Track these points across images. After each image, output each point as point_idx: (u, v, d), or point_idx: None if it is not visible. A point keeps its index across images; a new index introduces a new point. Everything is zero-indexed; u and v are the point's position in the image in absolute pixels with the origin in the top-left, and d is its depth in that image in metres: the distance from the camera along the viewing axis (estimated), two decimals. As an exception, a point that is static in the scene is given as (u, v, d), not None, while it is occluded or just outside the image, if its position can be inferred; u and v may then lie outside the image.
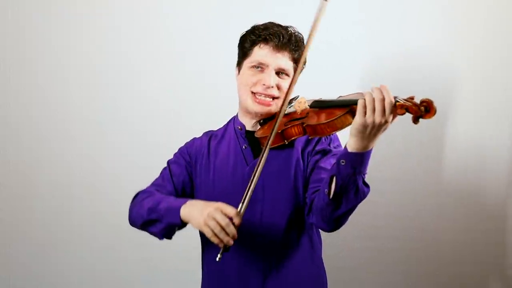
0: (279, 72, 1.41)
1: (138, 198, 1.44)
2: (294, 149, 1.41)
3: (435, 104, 1.07)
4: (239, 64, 1.48)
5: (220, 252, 1.19)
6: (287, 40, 1.40)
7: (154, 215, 1.34)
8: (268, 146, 1.24)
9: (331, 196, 1.20)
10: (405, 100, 1.11)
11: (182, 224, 1.30)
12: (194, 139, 1.56)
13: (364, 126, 1.12)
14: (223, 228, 1.17)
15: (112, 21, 2.24)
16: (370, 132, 1.13)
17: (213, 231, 1.17)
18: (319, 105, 1.31)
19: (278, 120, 1.26)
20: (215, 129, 1.58)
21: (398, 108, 1.11)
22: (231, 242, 1.18)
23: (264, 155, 1.23)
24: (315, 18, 1.24)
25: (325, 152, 1.38)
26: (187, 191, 1.48)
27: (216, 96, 2.15)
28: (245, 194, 1.21)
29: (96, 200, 2.25)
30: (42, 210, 2.27)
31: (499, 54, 2.09)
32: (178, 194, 1.46)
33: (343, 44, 2.09)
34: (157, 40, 2.23)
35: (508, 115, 2.09)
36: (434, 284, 2.13)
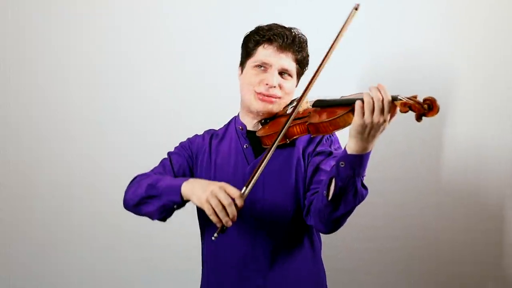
0: (282, 73, 1.42)
1: (137, 178, 1.43)
2: (296, 149, 1.42)
3: (438, 102, 1.07)
4: (242, 64, 1.48)
5: (217, 231, 1.18)
6: (291, 41, 1.40)
7: (153, 191, 1.31)
8: (283, 132, 1.24)
9: (329, 197, 1.20)
10: (408, 98, 1.12)
11: (181, 203, 1.27)
12: (196, 135, 1.56)
13: (363, 127, 1.13)
14: (224, 208, 1.16)
15: (112, 21, 2.24)
16: (369, 132, 1.13)
17: (214, 209, 1.16)
18: (321, 104, 1.32)
19: (292, 117, 1.26)
20: (216, 129, 1.58)
21: (401, 106, 1.11)
22: (230, 223, 1.17)
23: (276, 142, 1.23)
24: (343, 24, 1.26)
25: (325, 154, 1.39)
26: None
27: (216, 96, 2.15)
28: (250, 178, 1.20)
29: (96, 200, 2.25)
30: (42, 210, 2.27)
31: (499, 53, 2.09)
32: None
33: (342, 44, 2.08)
34: (157, 40, 2.23)
35: (509, 114, 2.09)
36: (433, 284, 2.13)
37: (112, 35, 2.24)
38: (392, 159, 2.12)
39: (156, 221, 2.18)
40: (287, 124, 1.26)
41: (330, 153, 1.38)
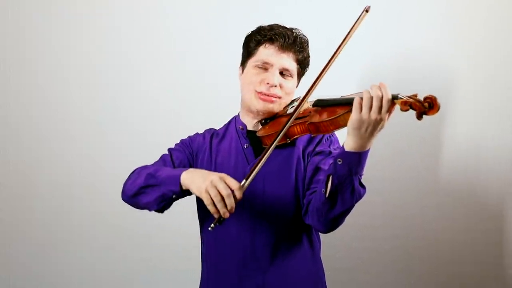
0: (283, 73, 1.42)
1: (136, 170, 1.43)
2: (296, 148, 1.42)
3: (439, 100, 1.07)
4: (243, 63, 1.48)
5: (214, 222, 1.18)
6: (292, 41, 1.41)
7: (152, 180, 1.31)
8: (284, 130, 1.24)
9: (327, 194, 1.21)
10: (408, 97, 1.12)
11: (180, 193, 1.27)
12: (197, 134, 1.56)
13: (360, 122, 1.13)
14: (223, 198, 1.16)
15: (112, 21, 2.24)
16: (366, 129, 1.13)
17: (212, 199, 1.16)
18: (321, 104, 1.32)
19: (294, 116, 1.26)
20: (216, 128, 1.58)
21: (401, 105, 1.11)
22: (227, 214, 1.17)
23: (278, 138, 1.24)
24: (353, 25, 1.25)
25: (325, 154, 1.39)
26: None
27: (216, 96, 2.15)
28: (250, 171, 1.20)
29: (96, 200, 2.25)
30: (42, 210, 2.27)
31: (500, 53, 2.09)
32: None
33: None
34: (157, 40, 2.23)
35: (509, 114, 2.09)
36: (433, 284, 2.13)
37: (112, 35, 2.24)
38: (392, 159, 2.12)
39: (156, 221, 2.20)
40: (288, 123, 1.26)
41: (330, 153, 1.39)
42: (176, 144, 1.54)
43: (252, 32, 1.47)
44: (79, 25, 2.25)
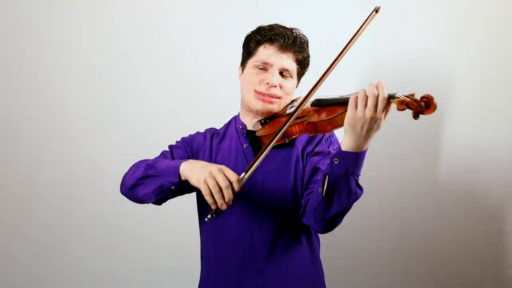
0: (283, 73, 1.42)
1: (136, 163, 1.43)
2: (295, 148, 1.42)
3: (436, 100, 1.07)
4: (243, 63, 1.49)
5: (211, 213, 1.18)
6: (292, 41, 1.41)
7: (151, 171, 1.32)
8: (284, 129, 1.25)
9: (323, 193, 1.21)
10: (405, 96, 1.12)
11: (179, 184, 1.27)
12: (198, 132, 1.57)
13: (355, 120, 1.13)
14: (221, 190, 1.16)
15: (112, 21, 2.24)
16: (362, 128, 1.13)
17: (210, 190, 1.17)
18: (320, 104, 1.32)
19: (294, 116, 1.26)
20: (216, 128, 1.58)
21: (398, 104, 1.11)
22: (225, 206, 1.17)
23: (278, 134, 1.24)
24: (362, 26, 1.25)
25: (324, 154, 1.39)
26: None
27: (216, 96, 2.15)
28: (250, 164, 1.21)
29: (96, 200, 2.25)
30: (42, 210, 2.27)
31: (500, 54, 2.09)
32: None
33: (343, 44, 2.09)
34: (157, 40, 2.23)
35: (508, 115, 2.09)
36: (432, 284, 2.13)
37: (112, 35, 2.24)
38: (391, 159, 2.12)
39: (156, 221, 2.20)
40: (288, 123, 1.26)
41: (329, 153, 1.38)
42: (177, 141, 1.54)
43: (252, 32, 1.47)
44: (79, 25, 2.25)
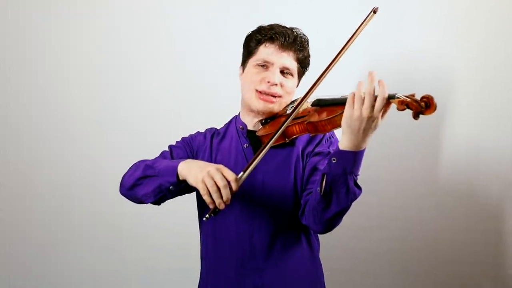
0: (283, 72, 1.42)
1: (135, 163, 1.44)
2: (295, 148, 1.42)
3: (436, 100, 1.07)
4: (244, 63, 1.49)
5: (209, 213, 1.19)
6: (292, 40, 1.41)
7: (150, 171, 1.32)
8: (283, 128, 1.25)
9: (321, 192, 1.21)
10: (405, 96, 1.11)
11: (177, 184, 1.27)
12: (198, 132, 1.57)
13: (352, 119, 1.13)
14: (219, 189, 1.16)
15: (112, 21, 2.24)
16: (359, 127, 1.13)
17: (208, 189, 1.17)
18: (320, 104, 1.32)
19: (293, 115, 1.26)
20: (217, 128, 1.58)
21: (398, 104, 1.11)
22: (223, 205, 1.17)
23: (276, 136, 1.24)
24: (359, 26, 1.25)
25: (324, 154, 1.39)
26: None
27: (216, 96, 2.15)
28: (248, 164, 1.21)
29: (96, 200, 2.25)
30: (42, 210, 2.27)
31: (500, 55, 2.09)
32: None
33: (343, 44, 2.09)
34: (157, 40, 2.23)
35: (509, 116, 2.09)
36: (432, 284, 2.13)
37: (112, 35, 2.24)
38: (392, 159, 2.12)
39: (155, 221, 2.20)
40: (287, 121, 1.26)
41: (329, 154, 1.38)
42: (177, 141, 1.55)
43: (252, 31, 1.47)
44: (79, 25, 2.25)
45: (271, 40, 1.41)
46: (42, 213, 2.27)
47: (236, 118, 1.54)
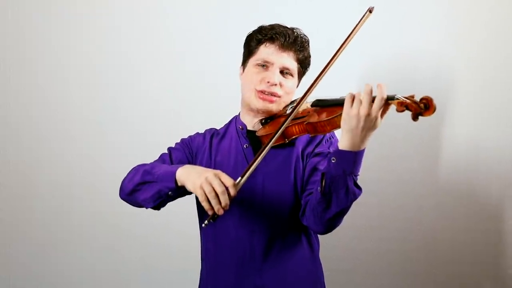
0: (283, 72, 1.42)
1: (134, 168, 1.43)
2: (295, 149, 1.42)
3: (435, 102, 1.07)
4: (244, 63, 1.49)
5: (208, 219, 1.18)
6: (292, 40, 1.41)
7: (149, 176, 1.32)
8: (281, 129, 1.24)
9: (321, 193, 1.21)
10: (405, 97, 1.12)
11: (176, 189, 1.27)
12: (197, 133, 1.57)
13: (349, 117, 1.13)
14: (217, 195, 1.16)
15: (112, 21, 2.24)
16: (357, 125, 1.13)
17: (207, 195, 1.16)
18: (320, 104, 1.32)
19: (292, 116, 1.27)
20: (217, 128, 1.58)
21: (398, 106, 1.11)
22: (221, 211, 1.17)
23: (275, 138, 1.24)
24: (356, 26, 1.26)
25: (324, 155, 1.39)
26: None
27: (216, 96, 2.15)
28: (246, 169, 1.21)
29: (96, 200, 2.25)
30: (42, 210, 2.27)
31: (500, 54, 2.08)
32: None
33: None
34: (157, 40, 2.23)
35: (509, 116, 2.08)
36: (432, 284, 2.13)
37: (112, 35, 2.24)
38: (392, 160, 2.11)
39: (156, 221, 2.20)
40: (286, 122, 1.27)
41: (329, 154, 1.38)
42: (176, 143, 1.54)
43: (253, 31, 1.47)
44: (79, 25, 2.25)
45: (272, 40, 1.41)
46: (42, 213, 2.27)
47: (236, 119, 1.54)
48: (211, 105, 2.15)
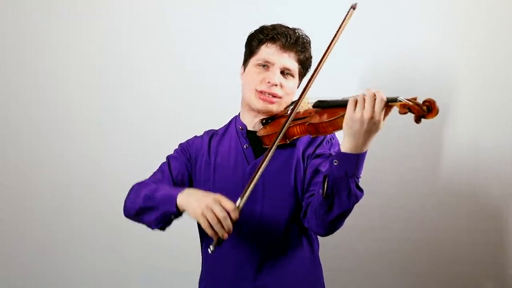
0: (284, 72, 1.42)
1: (134, 187, 1.43)
2: (296, 149, 1.42)
3: (438, 104, 1.07)
4: (245, 62, 1.49)
5: (213, 244, 1.18)
6: (294, 41, 1.41)
7: (150, 202, 1.32)
8: (275, 145, 1.24)
9: (324, 195, 1.21)
10: (407, 100, 1.12)
11: (178, 213, 1.27)
12: (195, 137, 1.56)
13: (353, 121, 1.14)
14: (219, 221, 1.16)
15: (112, 21, 2.24)
16: (360, 129, 1.14)
17: (209, 222, 1.16)
18: (322, 105, 1.33)
19: (291, 118, 1.27)
20: (216, 129, 1.58)
21: (400, 108, 1.12)
22: (226, 235, 1.17)
23: (270, 153, 1.23)
24: (341, 23, 1.28)
25: (325, 156, 1.39)
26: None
27: (216, 96, 2.15)
28: (245, 190, 1.20)
29: (96, 200, 2.25)
30: (42, 210, 2.27)
31: (500, 54, 2.08)
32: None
33: (344, 45, 2.08)
34: (157, 40, 2.23)
35: (509, 116, 2.08)
36: (434, 284, 2.13)
37: (112, 35, 2.24)
38: (393, 159, 2.11)
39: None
40: (286, 125, 1.27)
41: (330, 156, 1.38)
42: (175, 150, 1.54)
43: (255, 31, 1.47)
44: (79, 25, 2.25)
45: (273, 40, 1.41)
46: (42, 213, 2.27)
47: (236, 119, 1.53)
48: (211, 105, 2.15)
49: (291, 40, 1.41)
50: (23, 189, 2.28)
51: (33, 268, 2.28)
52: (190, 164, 1.49)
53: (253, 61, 1.44)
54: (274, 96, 1.41)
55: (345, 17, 1.27)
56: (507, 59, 2.08)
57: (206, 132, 1.57)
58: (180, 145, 1.55)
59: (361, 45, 2.10)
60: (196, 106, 2.19)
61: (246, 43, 1.49)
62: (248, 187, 1.20)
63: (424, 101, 1.10)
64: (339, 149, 1.20)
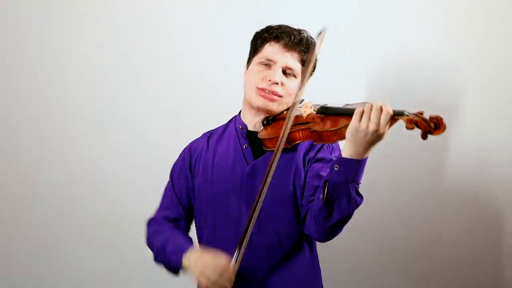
0: (286, 72, 1.42)
1: (150, 230, 1.52)
2: (296, 153, 1.41)
3: (445, 121, 1.09)
4: (249, 61, 1.49)
5: None
6: (297, 41, 1.41)
7: (161, 258, 1.43)
8: (276, 158, 1.26)
9: (324, 200, 1.21)
10: (414, 114, 1.12)
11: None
12: (192, 143, 1.56)
13: (358, 132, 1.15)
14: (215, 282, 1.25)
15: (112, 21, 2.24)
16: (363, 139, 1.15)
17: (207, 286, 1.26)
18: (325, 112, 1.31)
19: (288, 126, 1.27)
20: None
21: (407, 123, 1.13)
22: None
23: (271, 171, 1.26)
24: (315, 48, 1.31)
25: (326, 161, 1.38)
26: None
27: (216, 96, 2.15)
28: (241, 237, 1.26)
29: (96, 200, 2.25)
30: (42, 210, 2.27)
31: (500, 54, 2.08)
32: (188, 210, 1.52)
33: (344, 46, 2.09)
34: (157, 40, 2.23)
35: (510, 116, 2.08)
36: (434, 284, 2.13)
37: (112, 35, 2.24)
38: (395, 159, 2.11)
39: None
40: (286, 131, 1.26)
41: (331, 160, 1.37)
42: (176, 164, 1.55)
43: (260, 30, 1.48)
44: (79, 25, 2.25)
45: (276, 39, 1.42)
46: (42, 213, 2.27)
47: (236, 118, 1.53)
48: (211, 105, 2.15)
49: (295, 39, 1.41)
50: (23, 189, 2.27)
51: (33, 268, 2.28)
52: (191, 173, 1.50)
53: (256, 59, 1.44)
54: (274, 94, 1.41)
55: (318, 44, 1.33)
56: (507, 59, 2.08)
57: (204, 134, 1.57)
58: (182, 155, 1.55)
59: (361, 45, 2.10)
60: (196, 106, 2.19)
61: (251, 41, 1.50)
62: (245, 236, 1.26)
63: (432, 118, 1.10)
64: (340, 154, 1.20)
